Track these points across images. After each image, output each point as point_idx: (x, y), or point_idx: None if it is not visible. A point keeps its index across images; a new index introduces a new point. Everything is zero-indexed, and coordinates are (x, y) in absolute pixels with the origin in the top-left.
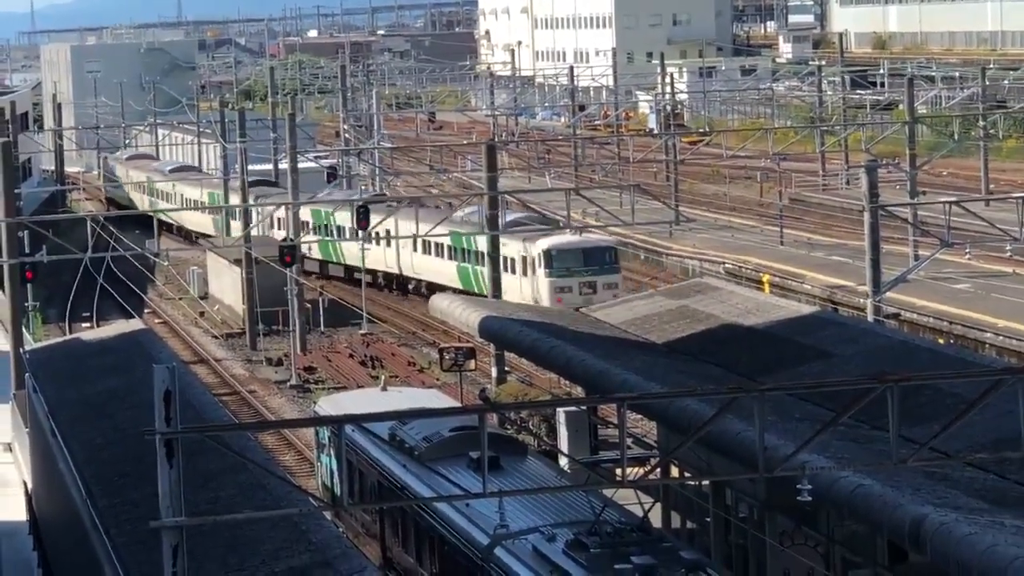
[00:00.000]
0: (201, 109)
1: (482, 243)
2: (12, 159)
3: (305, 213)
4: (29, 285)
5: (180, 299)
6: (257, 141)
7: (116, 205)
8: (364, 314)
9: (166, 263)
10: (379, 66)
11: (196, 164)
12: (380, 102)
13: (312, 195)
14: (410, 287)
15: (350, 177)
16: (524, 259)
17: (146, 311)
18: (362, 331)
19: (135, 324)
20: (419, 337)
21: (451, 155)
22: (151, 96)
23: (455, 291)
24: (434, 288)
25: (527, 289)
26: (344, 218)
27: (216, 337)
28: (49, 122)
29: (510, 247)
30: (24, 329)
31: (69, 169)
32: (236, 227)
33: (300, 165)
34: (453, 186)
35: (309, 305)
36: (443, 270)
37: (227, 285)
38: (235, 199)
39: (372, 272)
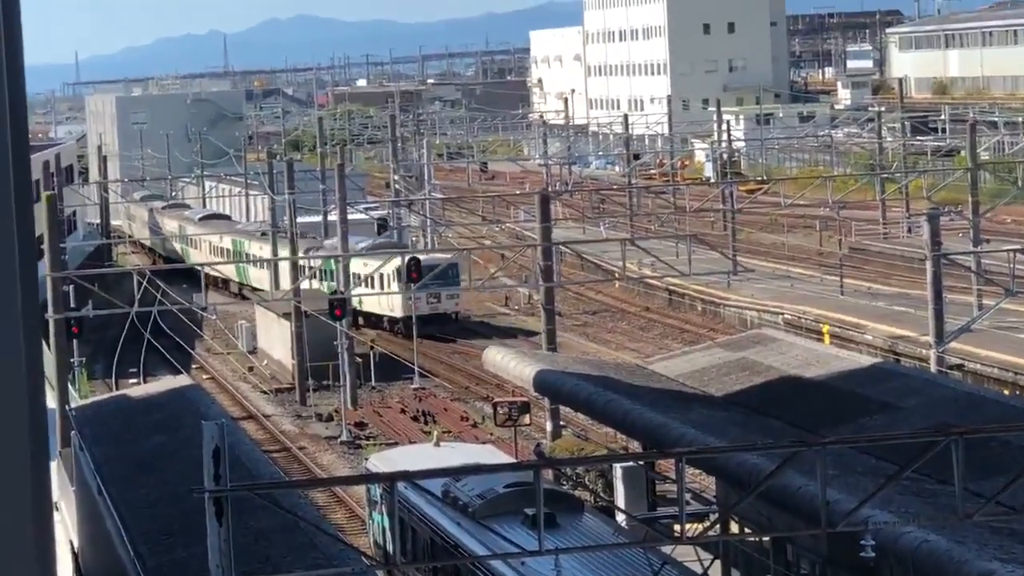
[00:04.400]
0: (248, 160)
1: (251, 247)
2: (57, 212)
3: (223, 240)
4: (75, 340)
5: (228, 354)
6: (306, 192)
7: (164, 259)
8: (416, 368)
9: (214, 317)
10: (429, 115)
11: (226, 212)
12: (431, 152)
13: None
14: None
15: (401, 228)
16: (381, 276)
17: (194, 366)
18: (414, 385)
19: (183, 380)
20: (472, 391)
21: (504, 205)
22: (198, 147)
23: (239, 284)
24: (218, 281)
25: (384, 301)
26: (254, 247)
27: (265, 392)
28: (94, 174)
29: (370, 267)
30: (70, 385)
31: (115, 222)
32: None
33: (350, 217)
34: (506, 237)
35: (360, 359)
36: (226, 268)
37: (276, 339)
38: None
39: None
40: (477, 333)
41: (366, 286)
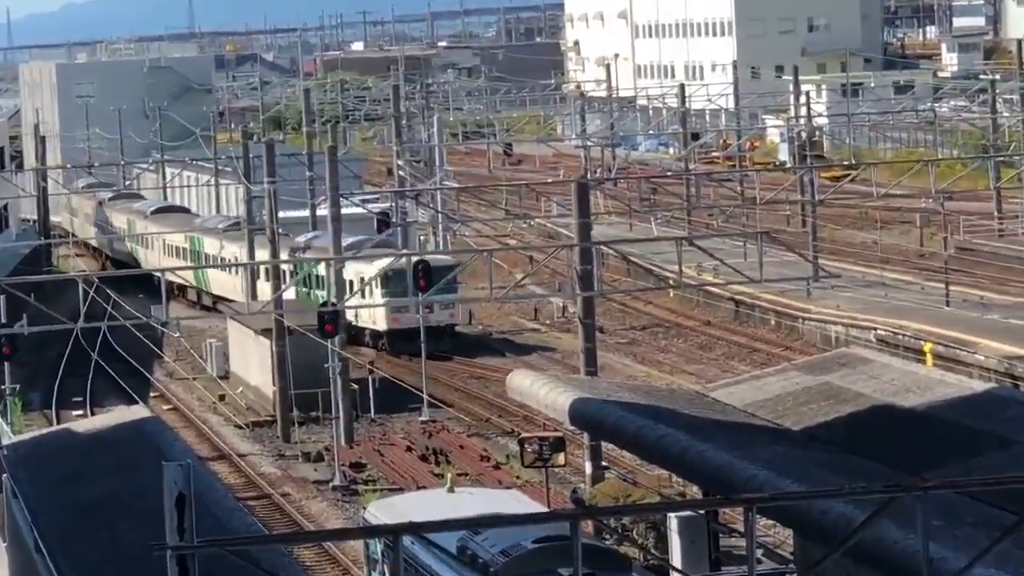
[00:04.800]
0: (219, 142)
1: (208, 246)
2: None
3: (180, 239)
4: (6, 363)
5: (195, 379)
6: (290, 181)
7: (114, 262)
8: (425, 396)
9: (177, 334)
10: (441, 86)
11: (187, 204)
12: (443, 131)
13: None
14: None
15: (406, 225)
16: (362, 280)
17: (152, 395)
18: (423, 417)
19: (139, 411)
20: (494, 425)
21: (532, 196)
22: (157, 126)
23: (198, 291)
24: (173, 287)
25: (364, 311)
26: (212, 245)
27: (240, 427)
28: (31, 159)
29: (348, 270)
30: (0, 418)
31: (55, 218)
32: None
33: (344, 211)
34: (535, 235)
35: (356, 386)
36: (183, 274)
37: (253, 361)
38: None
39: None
40: (487, 350)
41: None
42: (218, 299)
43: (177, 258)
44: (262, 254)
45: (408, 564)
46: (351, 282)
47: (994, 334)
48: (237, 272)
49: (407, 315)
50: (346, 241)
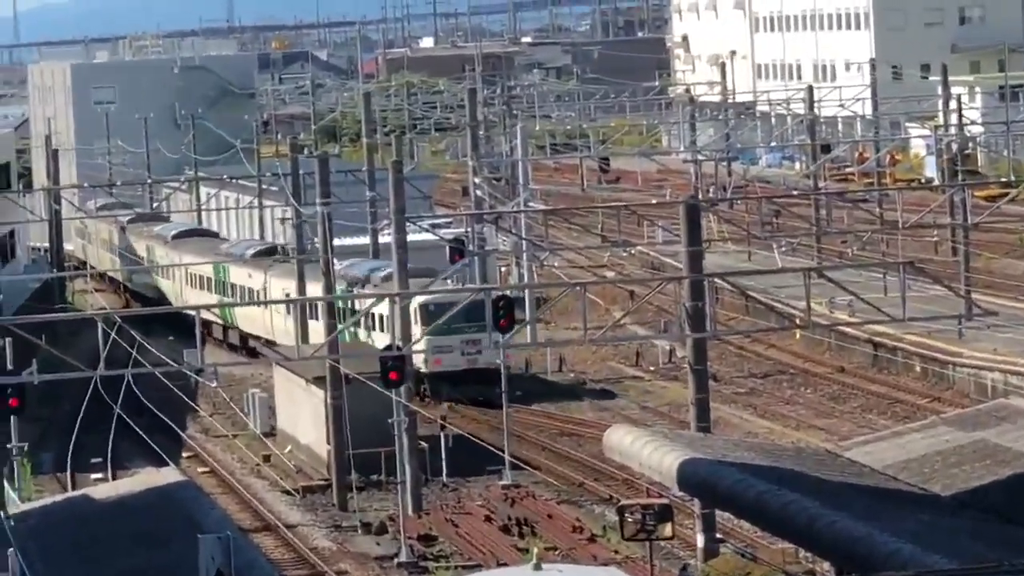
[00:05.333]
0: (264, 155)
1: (235, 275)
2: None
3: (207, 268)
4: (13, 417)
5: (235, 437)
6: (347, 203)
7: (136, 297)
8: (507, 457)
9: (213, 384)
10: (525, 89)
11: (221, 228)
12: (527, 143)
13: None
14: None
15: (484, 253)
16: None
17: (185, 455)
18: (504, 482)
19: (169, 474)
20: (588, 490)
21: (633, 220)
22: (190, 137)
23: (224, 328)
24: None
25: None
26: (239, 275)
27: (289, 493)
28: (41, 176)
29: (384, 304)
30: (6, 483)
31: (68, 246)
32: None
33: (411, 237)
34: (637, 266)
35: (425, 443)
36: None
37: (304, 415)
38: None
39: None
40: (571, 397)
41: (380, 330)
42: (248, 337)
43: (202, 290)
44: (314, 288)
45: None
46: (383, 316)
47: None
48: (269, 306)
49: (451, 356)
50: (385, 271)
